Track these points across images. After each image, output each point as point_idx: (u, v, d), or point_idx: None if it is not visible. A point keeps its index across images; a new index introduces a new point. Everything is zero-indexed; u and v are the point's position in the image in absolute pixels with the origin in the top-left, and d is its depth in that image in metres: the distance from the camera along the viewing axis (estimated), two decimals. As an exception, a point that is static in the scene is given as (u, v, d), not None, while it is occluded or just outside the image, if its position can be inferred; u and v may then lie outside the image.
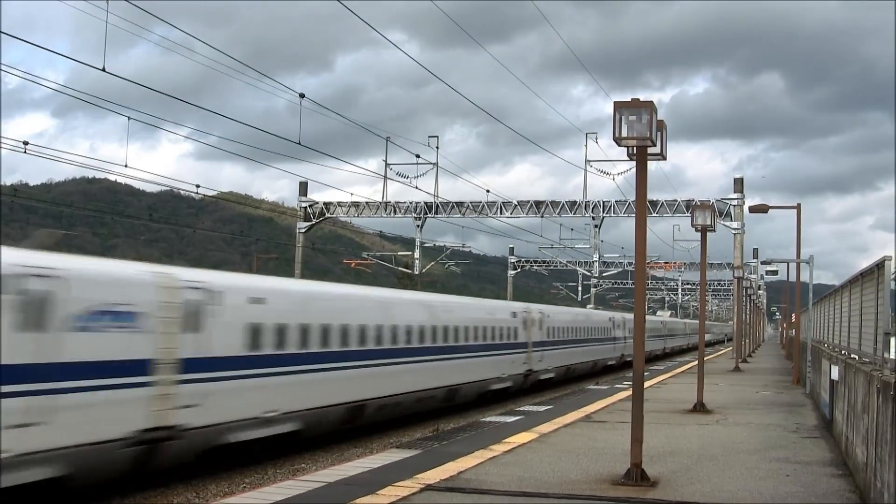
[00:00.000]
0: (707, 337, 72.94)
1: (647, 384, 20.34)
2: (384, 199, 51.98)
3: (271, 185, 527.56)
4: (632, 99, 10.52)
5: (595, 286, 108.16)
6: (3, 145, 26.92)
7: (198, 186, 39.47)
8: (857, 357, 12.59)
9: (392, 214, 53.03)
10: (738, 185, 50.45)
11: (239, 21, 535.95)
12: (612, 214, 51.05)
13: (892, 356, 9.04)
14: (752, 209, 36.85)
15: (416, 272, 59.33)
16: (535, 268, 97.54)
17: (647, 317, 62.66)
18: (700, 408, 19.86)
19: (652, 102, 10.45)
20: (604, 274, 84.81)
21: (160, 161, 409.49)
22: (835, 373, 15.14)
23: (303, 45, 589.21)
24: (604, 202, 51.01)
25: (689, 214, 21.62)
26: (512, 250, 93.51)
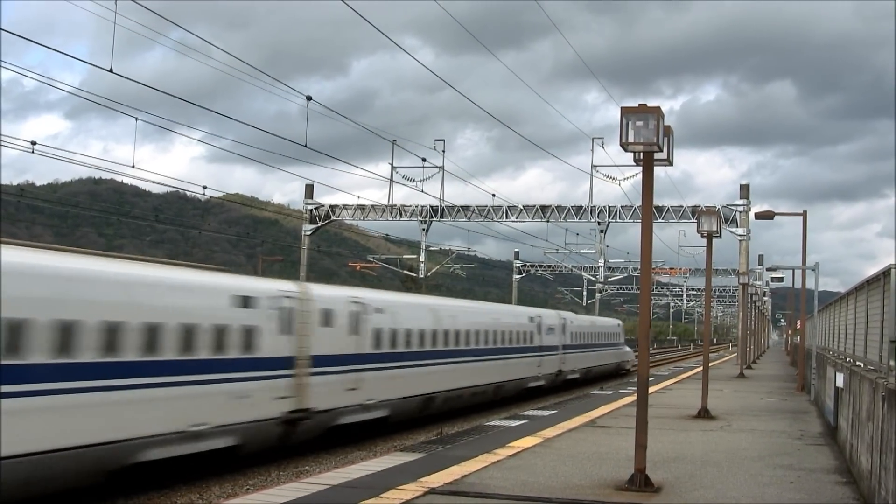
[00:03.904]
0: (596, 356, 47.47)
1: (651, 390, 20.33)
2: (390, 203, 52.07)
3: (282, 188, 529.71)
4: (639, 104, 10.54)
5: (600, 291, 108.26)
6: (14, 146, 27.04)
7: (205, 188, 39.64)
8: (862, 364, 12.57)
9: (398, 218, 53.11)
10: (745, 191, 50.44)
11: (257, 24, 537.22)
12: (618, 220, 51.05)
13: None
14: (758, 215, 36.80)
15: (421, 275, 59.38)
16: (541, 272, 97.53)
17: (514, 308, 41.25)
18: (704, 414, 19.84)
19: (659, 108, 10.47)
20: (609, 279, 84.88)
21: (173, 163, 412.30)
22: (840, 380, 15.12)
23: (319, 48, 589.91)
24: (609, 207, 51.03)
25: (695, 220, 21.61)
26: (517, 254, 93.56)
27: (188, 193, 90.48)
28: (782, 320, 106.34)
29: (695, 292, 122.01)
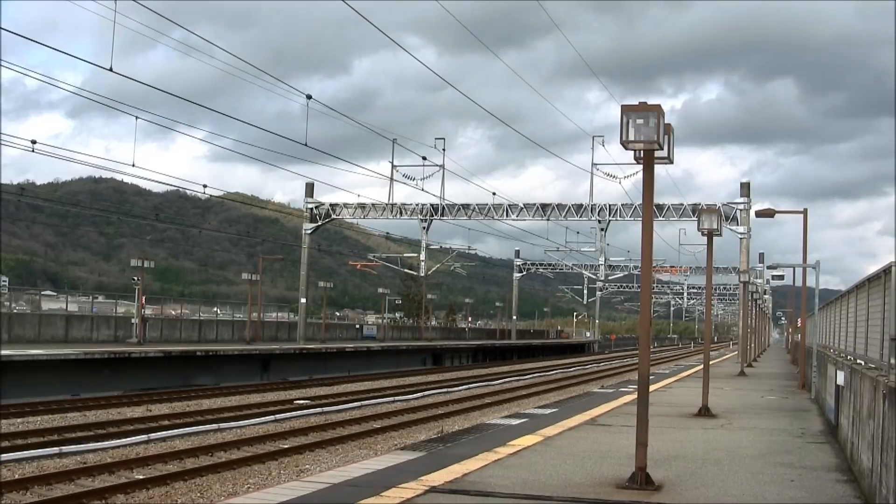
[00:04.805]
0: None
1: (651, 388, 20.32)
2: (391, 201, 52.06)
3: (283, 187, 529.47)
4: (639, 102, 10.52)
5: (601, 289, 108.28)
6: (15, 146, 27.13)
7: (205, 186, 39.67)
8: (862, 362, 12.57)
9: (398, 216, 53.13)
10: (745, 189, 50.43)
11: (259, 24, 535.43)
12: (619, 218, 51.06)
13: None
14: (759, 213, 36.78)
15: (422, 274, 59.40)
16: (541, 271, 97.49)
17: None
18: (705, 412, 19.83)
19: (659, 106, 10.45)
20: (609, 277, 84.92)
21: (176, 162, 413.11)
22: (840, 378, 15.11)
23: (321, 48, 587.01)
24: (610, 205, 51.03)
25: (695, 218, 21.60)
26: (518, 253, 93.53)
27: (188, 192, 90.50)
28: (783, 318, 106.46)
29: (695, 290, 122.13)
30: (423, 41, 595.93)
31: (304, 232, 55.84)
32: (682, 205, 50.40)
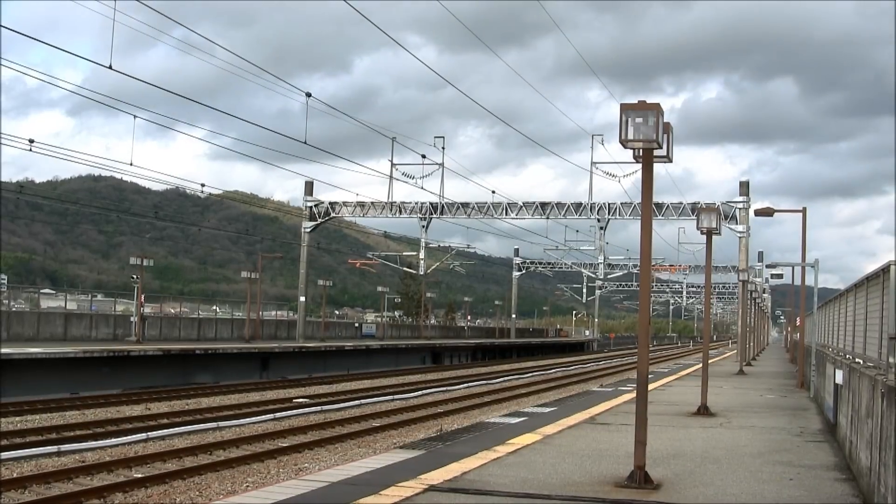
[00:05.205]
0: None
1: (650, 387, 20.34)
2: (390, 200, 52.06)
3: (284, 185, 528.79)
4: (638, 101, 10.52)
5: (600, 288, 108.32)
6: (14, 145, 27.16)
7: (203, 185, 39.73)
8: (861, 361, 12.57)
9: (397, 214, 53.13)
10: (744, 188, 50.44)
11: (260, 23, 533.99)
12: (618, 217, 51.08)
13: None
14: (758, 212, 36.74)
15: (421, 272, 59.41)
16: (540, 269, 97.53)
17: None
18: (704, 410, 19.83)
19: (658, 104, 10.45)
20: (608, 276, 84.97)
21: (177, 160, 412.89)
22: (839, 377, 15.12)
23: (322, 46, 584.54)
24: (609, 204, 51.04)
25: (694, 217, 21.63)
26: (517, 251, 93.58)
27: (188, 190, 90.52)
28: (782, 317, 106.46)
29: (694, 289, 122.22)
30: (423, 40, 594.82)
31: (303, 230, 55.85)
32: (681, 203, 50.41)
